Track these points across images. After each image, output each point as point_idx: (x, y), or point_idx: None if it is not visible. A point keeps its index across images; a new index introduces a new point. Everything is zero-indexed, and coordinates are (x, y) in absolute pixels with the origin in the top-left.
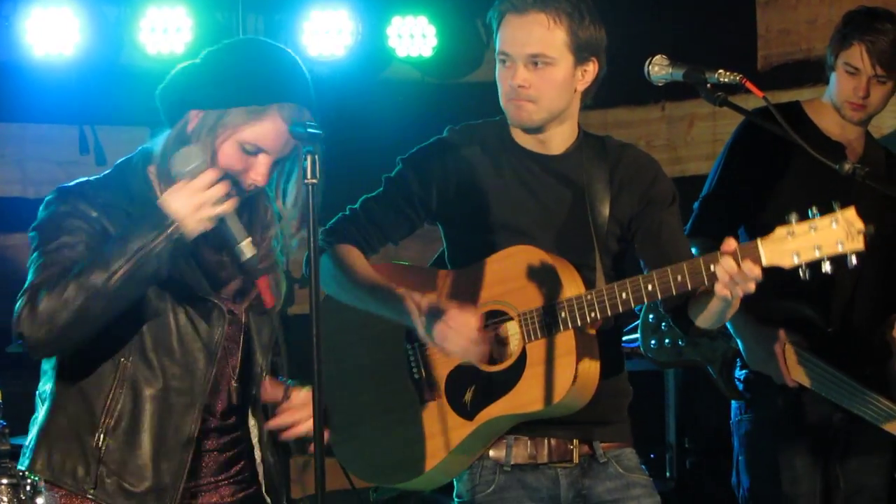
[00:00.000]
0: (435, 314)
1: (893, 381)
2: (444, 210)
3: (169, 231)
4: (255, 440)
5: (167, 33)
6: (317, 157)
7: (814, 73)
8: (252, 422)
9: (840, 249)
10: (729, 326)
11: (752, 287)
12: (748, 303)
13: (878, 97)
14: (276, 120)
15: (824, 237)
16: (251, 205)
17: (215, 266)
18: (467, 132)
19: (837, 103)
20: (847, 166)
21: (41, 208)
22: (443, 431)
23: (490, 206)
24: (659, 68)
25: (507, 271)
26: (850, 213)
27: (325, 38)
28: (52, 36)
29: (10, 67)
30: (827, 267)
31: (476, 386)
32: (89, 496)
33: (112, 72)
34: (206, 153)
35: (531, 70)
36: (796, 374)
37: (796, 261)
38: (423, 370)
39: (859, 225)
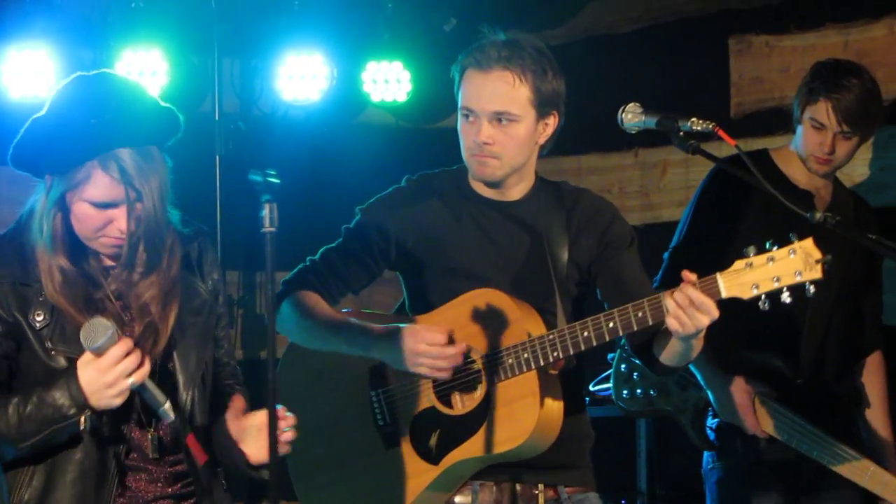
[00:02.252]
0: (400, 337)
1: (861, 431)
2: (404, 258)
3: (76, 419)
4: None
5: (142, 76)
6: (274, 205)
7: (787, 120)
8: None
9: (798, 279)
10: (699, 377)
11: (704, 321)
12: (718, 353)
13: (844, 152)
14: (102, 176)
15: (783, 268)
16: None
17: (120, 318)
18: (425, 181)
19: (803, 156)
20: (818, 215)
21: None
22: (408, 477)
23: (449, 252)
24: (632, 116)
25: (470, 315)
26: (808, 243)
27: (300, 82)
28: (28, 78)
29: None
30: (786, 297)
31: (441, 430)
32: None
33: None
34: (113, 326)
35: (495, 127)
36: (765, 424)
37: (755, 292)
38: (387, 416)
39: (817, 255)
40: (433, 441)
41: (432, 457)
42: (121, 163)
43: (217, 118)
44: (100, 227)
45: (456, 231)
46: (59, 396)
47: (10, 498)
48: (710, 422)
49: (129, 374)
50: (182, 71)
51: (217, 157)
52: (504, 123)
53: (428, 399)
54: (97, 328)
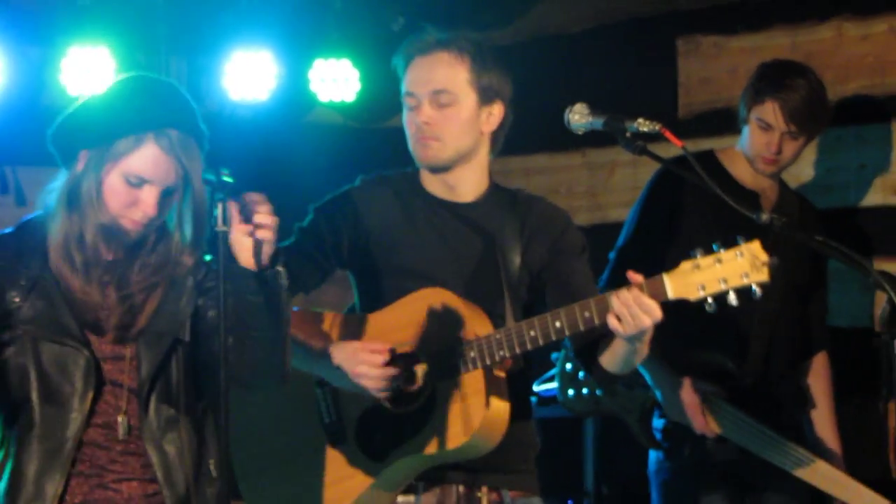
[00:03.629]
0: (342, 356)
1: (806, 432)
2: (356, 258)
3: None
4: (153, 458)
5: (89, 74)
6: (228, 204)
7: (735, 122)
8: (150, 443)
9: (745, 281)
10: (647, 376)
11: (646, 322)
12: (666, 353)
13: (790, 152)
14: (154, 148)
15: (730, 269)
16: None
17: (94, 306)
18: (379, 181)
19: (750, 156)
20: (764, 216)
21: None
22: (353, 475)
23: (401, 252)
24: (579, 116)
25: (417, 314)
26: (755, 245)
27: (247, 81)
28: None
29: None
30: (733, 299)
31: (386, 428)
32: None
33: (33, 112)
34: None
35: (435, 108)
36: (713, 423)
37: (702, 293)
38: (332, 413)
39: (764, 257)
40: (379, 438)
41: (377, 455)
42: (177, 136)
43: None
44: (126, 206)
45: (409, 231)
46: None
47: None
48: (657, 422)
49: None
50: (129, 69)
51: None
52: (443, 105)
53: (375, 396)
54: None
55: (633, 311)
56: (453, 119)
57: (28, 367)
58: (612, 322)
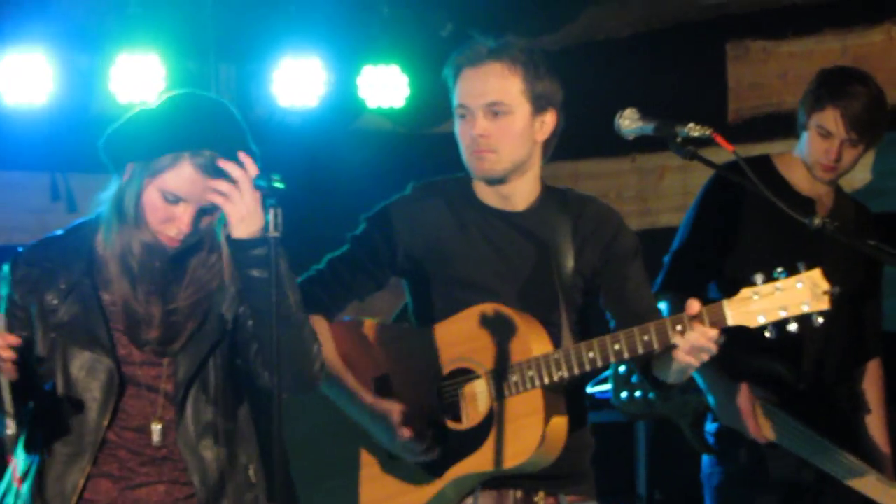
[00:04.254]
0: (384, 428)
1: (861, 437)
2: (409, 267)
3: None
4: (189, 463)
5: (139, 82)
6: (279, 210)
7: (784, 126)
8: (185, 448)
9: (805, 310)
10: (700, 382)
11: (713, 350)
12: (720, 359)
13: (850, 159)
14: (189, 167)
15: (790, 298)
16: (187, 258)
17: (136, 317)
18: (430, 189)
19: (808, 162)
20: (816, 221)
21: None
22: (410, 490)
23: (454, 262)
24: (629, 122)
25: (475, 329)
26: (816, 273)
27: (296, 87)
28: (24, 83)
29: None
30: (793, 327)
31: (445, 443)
32: None
33: (84, 120)
34: (5, 320)
35: (490, 120)
36: (766, 429)
37: (761, 321)
38: None
39: (825, 286)
40: (438, 454)
41: (436, 470)
42: (212, 157)
43: None
44: (161, 221)
45: (461, 241)
46: None
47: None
48: (710, 426)
49: None
50: (179, 76)
51: None
52: (498, 116)
53: (432, 412)
54: None
55: (703, 347)
56: (508, 130)
57: (56, 370)
58: (683, 357)
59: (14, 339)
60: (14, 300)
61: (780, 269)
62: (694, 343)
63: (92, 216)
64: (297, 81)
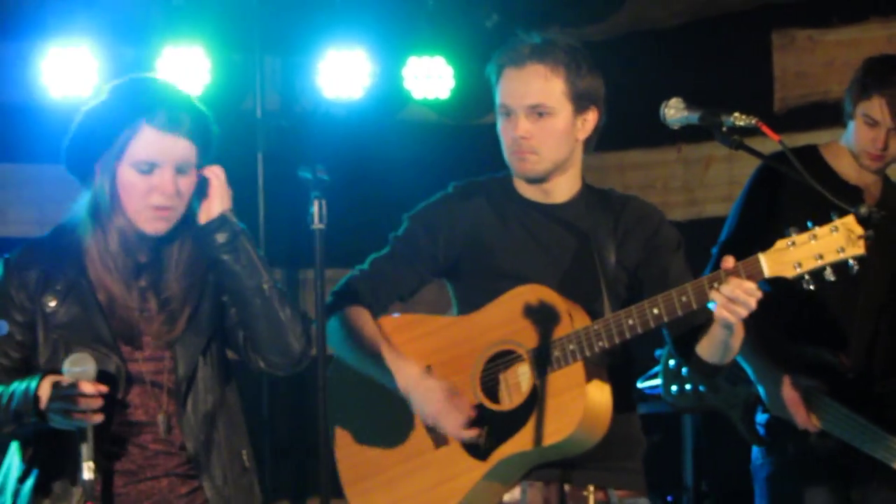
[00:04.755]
0: (423, 398)
1: None
2: (452, 265)
3: (30, 423)
4: (193, 453)
5: (184, 74)
6: (323, 202)
7: (830, 115)
8: (189, 439)
9: (841, 255)
10: (749, 372)
11: (752, 304)
12: (769, 349)
13: None
14: (150, 130)
15: (825, 245)
16: (168, 245)
17: (134, 313)
18: (471, 187)
19: (855, 151)
20: (864, 210)
21: None
22: (458, 475)
23: (496, 254)
24: (675, 111)
25: (515, 311)
26: (850, 219)
27: (342, 79)
28: (70, 77)
29: (27, 109)
30: (830, 275)
31: (489, 426)
32: None
33: None
34: (95, 367)
35: (532, 121)
36: (816, 418)
37: (798, 270)
38: None
39: (859, 230)
40: (482, 438)
41: (481, 453)
42: (167, 113)
43: (259, 116)
44: (144, 195)
45: (503, 235)
46: (23, 398)
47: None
48: (760, 417)
49: (82, 414)
50: (224, 69)
51: (259, 155)
52: (540, 117)
53: (475, 396)
54: (80, 360)
55: (738, 298)
56: (550, 132)
57: (60, 370)
58: (720, 312)
59: (104, 388)
60: (14, 305)
61: (812, 221)
62: (730, 294)
63: (74, 217)
64: (342, 73)
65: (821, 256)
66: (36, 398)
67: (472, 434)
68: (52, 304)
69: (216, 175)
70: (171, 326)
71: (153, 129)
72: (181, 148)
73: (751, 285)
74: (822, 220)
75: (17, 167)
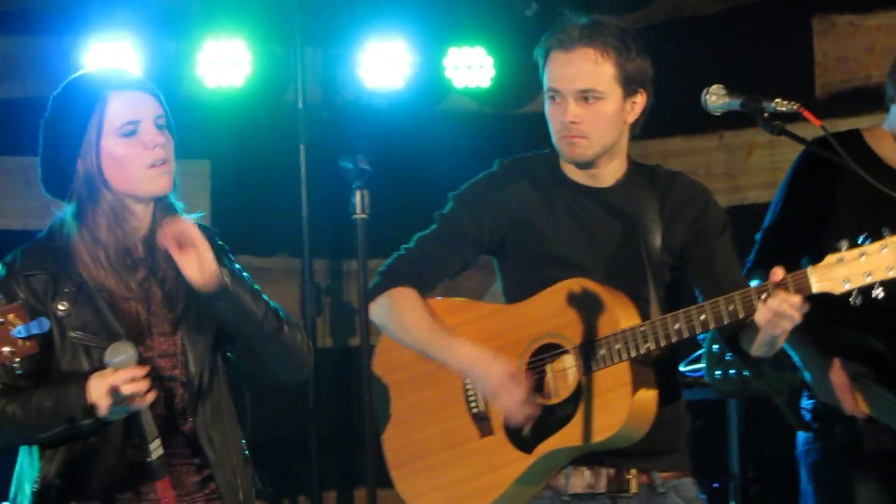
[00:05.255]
0: (489, 374)
1: None
2: (497, 245)
3: (84, 424)
4: (206, 446)
5: (226, 66)
6: (365, 192)
7: (872, 100)
8: (202, 432)
9: (891, 275)
10: (795, 358)
11: (796, 319)
12: (815, 335)
13: None
14: (120, 93)
15: (875, 263)
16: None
17: (137, 305)
18: (517, 165)
19: None
20: None
21: None
22: (502, 465)
23: (542, 239)
24: (716, 98)
25: (562, 304)
26: None
27: (383, 69)
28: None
29: None
30: (879, 293)
31: (534, 419)
32: None
33: (171, 105)
34: (136, 352)
35: (581, 105)
36: (863, 404)
37: (847, 287)
38: (481, 404)
39: None
40: (526, 430)
41: (526, 445)
42: (123, 76)
43: (301, 107)
44: (138, 156)
45: (549, 217)
46: (74, 400)
47: (40, 466)
48: (806, 403)
49: (132, 400)
50: (265, 61)
51: (301, 146)
52: (590, 101)
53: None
54: (120, 348)
55: (784, 313)
56: (600, 116)
57: (84, 369)
58: (765, 326)
59: (142, 371)
60: (30, 303)
61: (864, 235)
62: (775, 309)
63: (59, 220)
64: (383, 64)
65: (870, 274)
66: (88, 401)
67: (531, 411)
68: (64, 307)
69: (193, 236)
70: (173, 306)
71: (120, 92)
72: (151, 102)
73: (797, 300)
74: (867, 204)
75: None
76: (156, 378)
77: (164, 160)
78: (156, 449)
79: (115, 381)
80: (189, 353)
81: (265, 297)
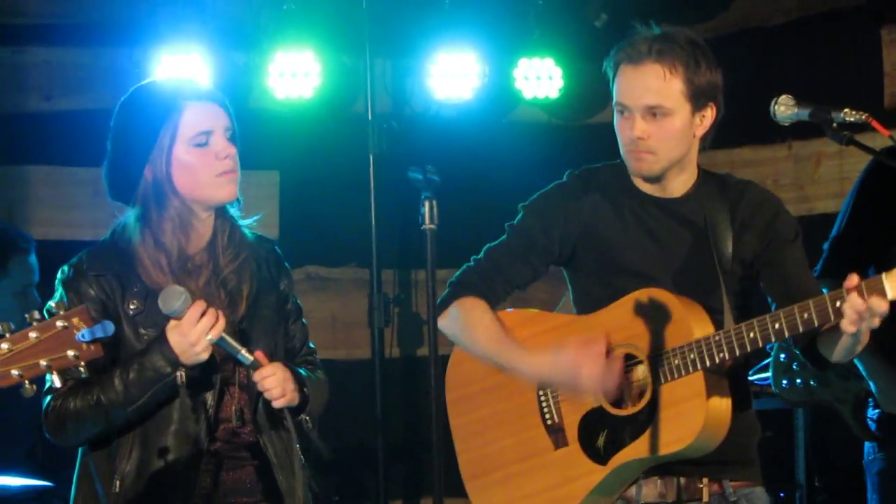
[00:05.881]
0: (562, 359)
1: None
2: (568, 255)
3: (173, 377)
4: (272, 457)
5: (295, 77)
6: (434, 202)
7: None
8: (263, 435)
9: None
10: (861, 367)
11: (877, 322)
12: (880, 344)
13: None
14: (194, 104)
15: None
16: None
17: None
18: (587, 176)
19: None
20: None
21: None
22: (577, 477)
23: (613, 251)
24: (784, 108)
25: (635, 314)
26: None
27: (452, 80)
28: None
29: None
30: None
31: (608, 430)
32: None
33: (240, 117)
34: (186, 291)
35: (649, 121)
36: None
37: None
38: (555, 416)
39: None
40: (601, 441)
41: (600, 457)
42: (198, 88)
43: (370, 118)
44: (209, 166)
45: (619, 228)
46: (157, 360)
47: (117, 466)
48: (872, 412)
49: (208, 331)
50: (334, 72)
51: (370, 157)
52: (658, 117)
53: (596, 398)
54: (172, 294)
55: (865, 315)
56: (668, 132)
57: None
58: (847, 327)
59: (202, 304)
60: (92, 301)
61: None
62: (857, 307)
63: (121, 225)
64: (452, 75)
65: None
66: (171, 352)
67: (617, 379)
68: (134, 305)
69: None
70: (235, 307)
71: (195, 103)
72: (222, 114)
73: (882, 305)
74: None
75: None
76: (219, 381)
77: (234, 170)
78: (246, 355)
79: (190, 324)
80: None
81: (313, 350)
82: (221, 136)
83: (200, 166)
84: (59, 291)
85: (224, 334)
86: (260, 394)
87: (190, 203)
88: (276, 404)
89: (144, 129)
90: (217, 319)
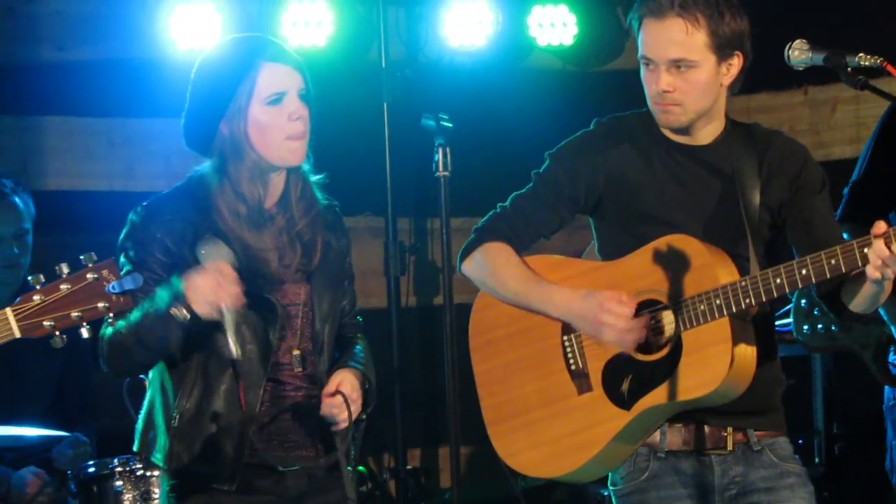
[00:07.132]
0: (588, 305)
1: None
2: (594, 204)
3: (176, 312)
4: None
5: (308, 27)
6: (448, 149)
7: None
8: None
9: None
10: (882, 312)
11: None
12: None
13: None
14: (270, 65)
15: None
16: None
17: (270, 255)
18: (614, 125)
19: None
20: None
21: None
22: (600, 422)
23: (640, 199)
24: (799, 52)
25: (661, 261)
26: None
27: (465, 28)
28: (195, 32)
29: (154, 64)
30: None
31: (633, 376)
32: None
33: None
34: (228, 250)
35: (674, 74)
36: None
37: None
38: (579, 361)
39: None
40: (625, 386)
41: (624, 402)
42: (276, 48)
43: (383, 66)
44: (281, 127)
45: (647, 176)
46: (168, 293)
47: (176, 401)
48: (893, 357)
49: (220, 290)
50: (348, 20)
51: (384, 105)
52: (682, 70)
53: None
54: (213, 243)
55: (889, 261)
56: (693, 84)
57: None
58: (873, 273)
59: (231, 272)
60: (158, 244)
61: None
62: (881, 254)
63: (198, 173)
64: (466, 22)
65: None
66: (180, 288)
67: (639, 333)
68: (205, 250)
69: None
70: (309, 259)
71: (272, 63)
72: (297, 76)
73: None
74: None
75: (145, 122)
76: (279, 325)
77: (304, 133)
78: (234, 347)
79: (204, 273)
80: (315, 309)
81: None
82: (294, 97)
83: (272, 126)
84: (126, 228)
85: (231, 318)
86: (323, 343)
87: (262, 160)
88: (341, 426)
89: (222, 85)
90: (237, 297)
